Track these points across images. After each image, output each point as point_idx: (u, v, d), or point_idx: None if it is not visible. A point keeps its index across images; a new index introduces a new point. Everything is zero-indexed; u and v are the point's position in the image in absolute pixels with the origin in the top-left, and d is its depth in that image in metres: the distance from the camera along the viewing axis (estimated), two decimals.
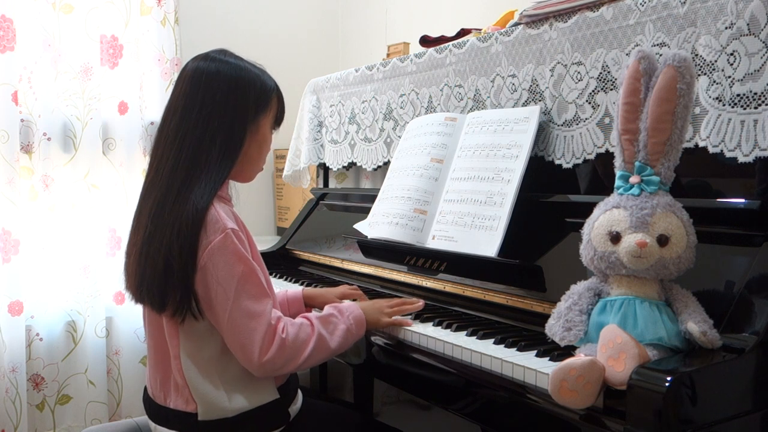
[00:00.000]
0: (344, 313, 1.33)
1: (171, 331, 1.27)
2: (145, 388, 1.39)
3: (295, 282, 1.94)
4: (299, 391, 1.40)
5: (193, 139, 1.26)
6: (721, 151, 1.14)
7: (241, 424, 1.26)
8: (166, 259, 1.19)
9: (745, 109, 1.12)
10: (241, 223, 1.29)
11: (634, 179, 1.07)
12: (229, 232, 1.21)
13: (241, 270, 1.21)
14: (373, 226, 1.74)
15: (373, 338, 1.41)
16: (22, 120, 2.33)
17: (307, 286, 1.88)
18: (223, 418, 1.25)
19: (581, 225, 1.12)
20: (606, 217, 1.08)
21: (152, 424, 1.34)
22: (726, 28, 1.14)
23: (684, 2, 1.21)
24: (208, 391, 1.25)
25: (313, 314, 1.33)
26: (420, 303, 1.46)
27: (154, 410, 1.33)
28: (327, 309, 1.35)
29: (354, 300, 1.59)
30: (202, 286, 1.21)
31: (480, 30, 1.84)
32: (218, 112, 1.27)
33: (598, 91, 1.38)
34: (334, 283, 1.88)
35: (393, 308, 1.42)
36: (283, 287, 1.80)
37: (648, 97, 1.05)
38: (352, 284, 1.83)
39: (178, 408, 1.27)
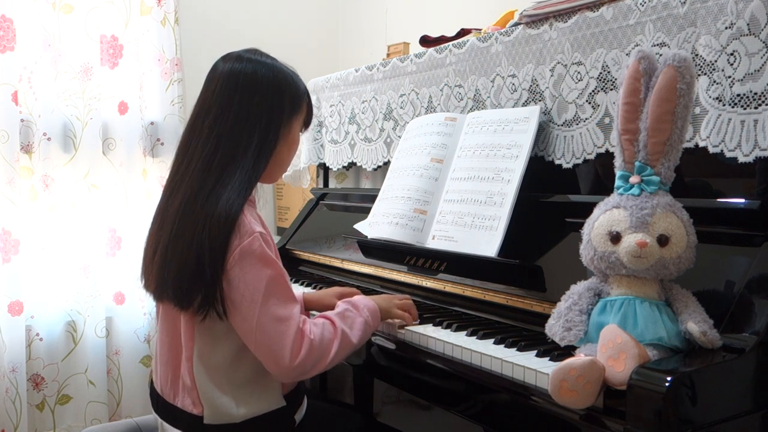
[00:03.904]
0: (359, 307, 1.32)
1: (188, 333, 1.26)
2: (151, 383, 1.39)
3: (295, 282, 1.94)
4: (305, 397, 1.39)
5: (230, 139, 1.24)
6: (721, 151, 1.14)
7: (247, 430, 1.25)
8: (197, 257, 1.17)
9: (745, 109, 1.12)
10: (266, 227, 1.28)
11: (634, 179, 1.07)
12: (257, 235, 1.20)
13: (269, 273, 1.20)
14: (373, 226, 1.74)
15: (373, 338, 1.41)
16: (22, 120, 2.33)
17: (307, 286, 1.88)
18: (228, 423, 1.25)
19: (581, 225, 1.12)
20: (606, 217, 1.08)
21: (159, 420, 1.35)
22: (726, 28, 1.14)
23: (684, 2, 1.21)
24: (216, 395, 1.24)
25: (331, 312, 1.31)
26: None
27: (162, 406, 1.33)
28: (341, 305, 1.34)
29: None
30: (228, 288, 1.19)
31: (480, 30, 1.84)
32: (255, 114, 1.26)
33: (598, 91, 1.38)
34: (334, 283, 1.88)
35: (403, 301, 1.43)
36: None
37: (648, 97, 1.05)
38: (352, 284, 1.83)
39: (186, 409, 1.27)
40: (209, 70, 1.33)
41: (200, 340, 1.25)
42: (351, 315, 1.30)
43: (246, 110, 1.26)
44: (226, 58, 1.32)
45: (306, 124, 1.38)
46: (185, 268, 1.19)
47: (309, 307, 1.57)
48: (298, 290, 1.69)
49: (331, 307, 1.52)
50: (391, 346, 1.38)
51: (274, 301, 1.19)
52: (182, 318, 1.26)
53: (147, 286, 1.31)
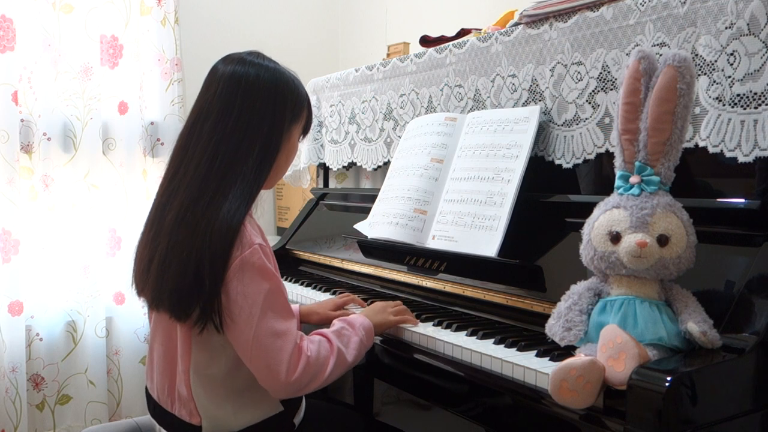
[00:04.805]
0: (355, 326, 1.31)
1: (184, 345, 1.23)
2: (147, 388, 1.38)
3: (295, 282, 1.94)
4: (303, 400, 1.38)
5: (230, 146, 1.21)
6: (721, 151, 1.14)
7: None
8: (196, 268, 1.14)
9: (745, 109, 1.12)
10: (265, 237, 1.25)
11: (634, 179, 1.07)
12: (257, 247, 1.17)
13: (268, 287, 1.17)
14: (374, 226, 1.75)
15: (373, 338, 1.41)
16: (22, 120, 2.33)
17: (307, 286, 1.88)
18: None
19: (581, 225, 1.12)
20: (606, 217, 1.08)
21: (157, 426, 1.34)
22: (726, 28, 1.14)
23: (684, 2, 1.21)
24: (213, 407, 1.23)
25: (328, 330, 1.29)
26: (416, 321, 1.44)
27: (160, 413, 1.32)
28: (337, 323, 1.32)
29: (348, 307, 1.57)
30: (226, 300, 1.16)
31: (480, 30, 1.84)
32: (257, 120, 1.22)
33: (598, 91, 1.38)
34: (335, 283, 1.88)
35: (396, 307, 1.42)
36: None
37: (648, 97, 1.05)
38: (352, 284, 1.83)
39: (183, 418, 1.26)
40: (209, 71, 1.29)
41: (198, 352, 1.23)
42: (347, 333, 1.29)
43: (247, 116, 1.22)
44: (227, 59, 1.28)
45: (305, 131, 1.35)
46: (183, 279, 1.15)
47: (304, 320, 1.54)
48: (300, 290, 1.69)
49: (327, 318, 1.50)
50: (391, 346, 1.38)
51: (271, 315, 1.17)
52: (179, 330, 1.24)
53: (141, 292, 1.27)
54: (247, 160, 1.21)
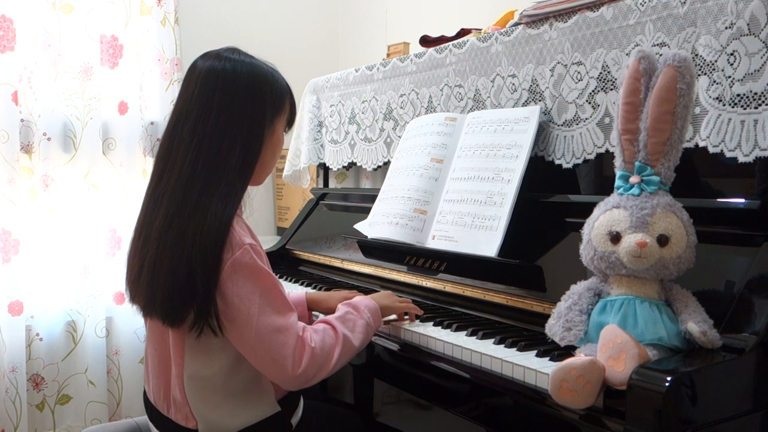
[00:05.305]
0: (360, 308, 1.31)
1: (177, 350, 1.23)
2: (145, 391, 1.38)
3: (295, 282, 1.94)
4: (301, 400, 1.38)
5: (211, 146, 1.19)
6: (721, 151, 1.14)
7: None
8: (188, 273, 1.13)
9: (745, 109, 1.12)
10: (255, 236, 1.24)
11: (634, 179, 1.07)
12: (247, 247, 1.16)
13: (262, 285, 1.17)
14: (373, 226, 1.75)
15: (373, 338, 1.41)
16: (22, 120, 2.33)
17: (307, 286, 1.88)
18: None
19: (581, 225, 1.12)
20: (606, 217, 1.08)
21: (154, 429, 1.34)
22: (726, 28, 1.14)
23: (684, 2, 1.21)
24: (209, 410, 1.23)
25: (332, 316, 1.29)
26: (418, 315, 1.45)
27: (157, 417, 1.32)
28: (342, 307, 1.32)
29: None
30: (222, 303, 1.15)
31: (480, 30, 1.84)
32: (237, 118, 1.21)
33: (598, 91, 1.38)
34: (334, 283, 1.88)
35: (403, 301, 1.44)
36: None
37: (648, 97, 1.05)
38: (352, 284, 1.83)
39: (179, 422, 1.26)
40: (188, 69, 1.28)
41: (193, 357, 1.22)
42: (352, 318, 1.29)
43: (226, 114, 1.21)
44: (205, 56, 1.27)
45: (289, 123, 1.33)
46: (175, 285, 1.14)
47: (313, 308, 1.54)
48: (300, 290, 1.69)
49: (334, 310, 1.48)
50: (391, 345, 1.38)
51: (270, 311, 1.17)
52: (171, 335, 1.23)
53: (135, 299, 1.26)
54: (230, 159, 1.20)
